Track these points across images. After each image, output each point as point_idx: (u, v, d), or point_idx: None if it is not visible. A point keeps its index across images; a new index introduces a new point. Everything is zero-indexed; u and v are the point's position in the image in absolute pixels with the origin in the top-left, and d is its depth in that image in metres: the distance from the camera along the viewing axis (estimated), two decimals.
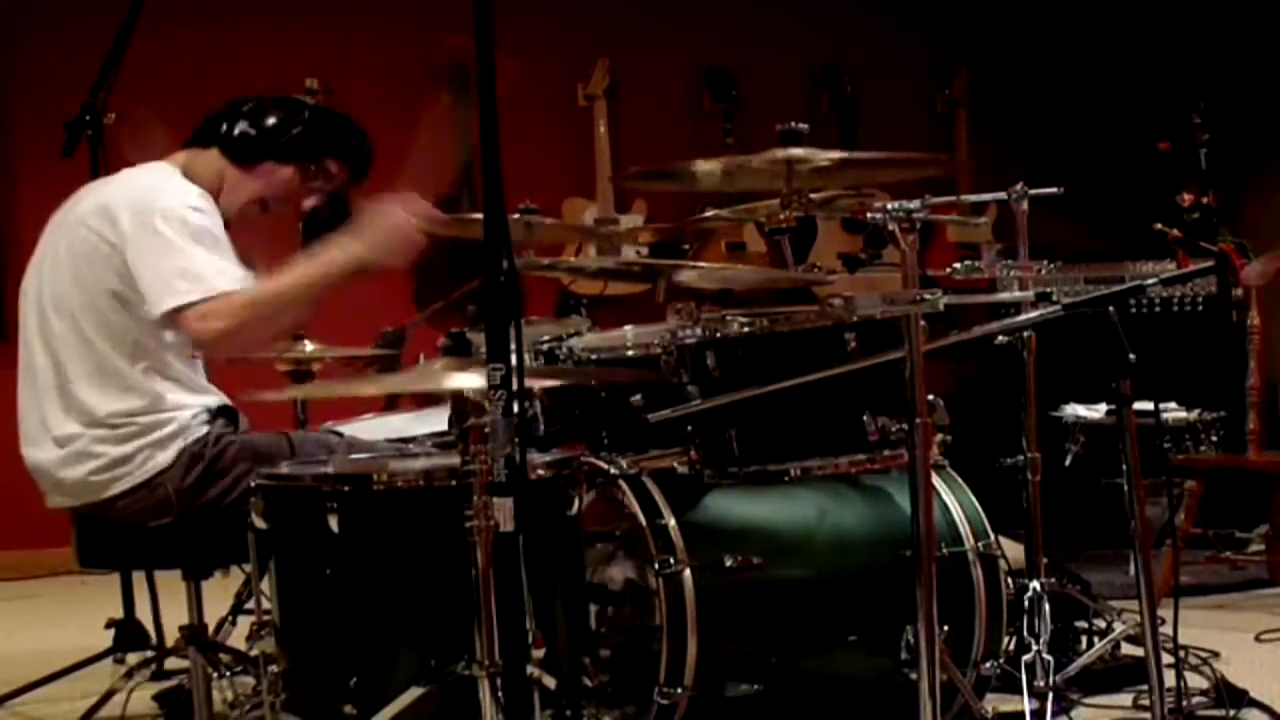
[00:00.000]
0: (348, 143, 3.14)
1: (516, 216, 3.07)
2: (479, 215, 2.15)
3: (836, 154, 2.81)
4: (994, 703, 3.07)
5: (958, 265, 3.34)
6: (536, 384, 3.03)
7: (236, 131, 3.06)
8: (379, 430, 3.34)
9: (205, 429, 2.96)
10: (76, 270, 2.94)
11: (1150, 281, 3.06)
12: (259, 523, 2.61)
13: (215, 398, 3.05)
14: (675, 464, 2.94)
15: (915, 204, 2.55)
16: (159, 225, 2.85)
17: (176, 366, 2.98)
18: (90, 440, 2.92)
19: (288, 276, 2.85)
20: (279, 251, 3.02)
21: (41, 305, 2.99)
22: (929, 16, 6.99)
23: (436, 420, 3.33)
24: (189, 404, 2.97)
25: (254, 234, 3.14)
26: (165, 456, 2.91)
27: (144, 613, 3.77)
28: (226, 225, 2.99)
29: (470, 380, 2.36)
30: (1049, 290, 4.00)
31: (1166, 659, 2.84)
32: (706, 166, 2.90)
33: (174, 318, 2.81)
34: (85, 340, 2.93)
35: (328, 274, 2.85)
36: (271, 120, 3.08)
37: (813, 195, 2.91)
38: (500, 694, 2.31)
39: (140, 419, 2.91)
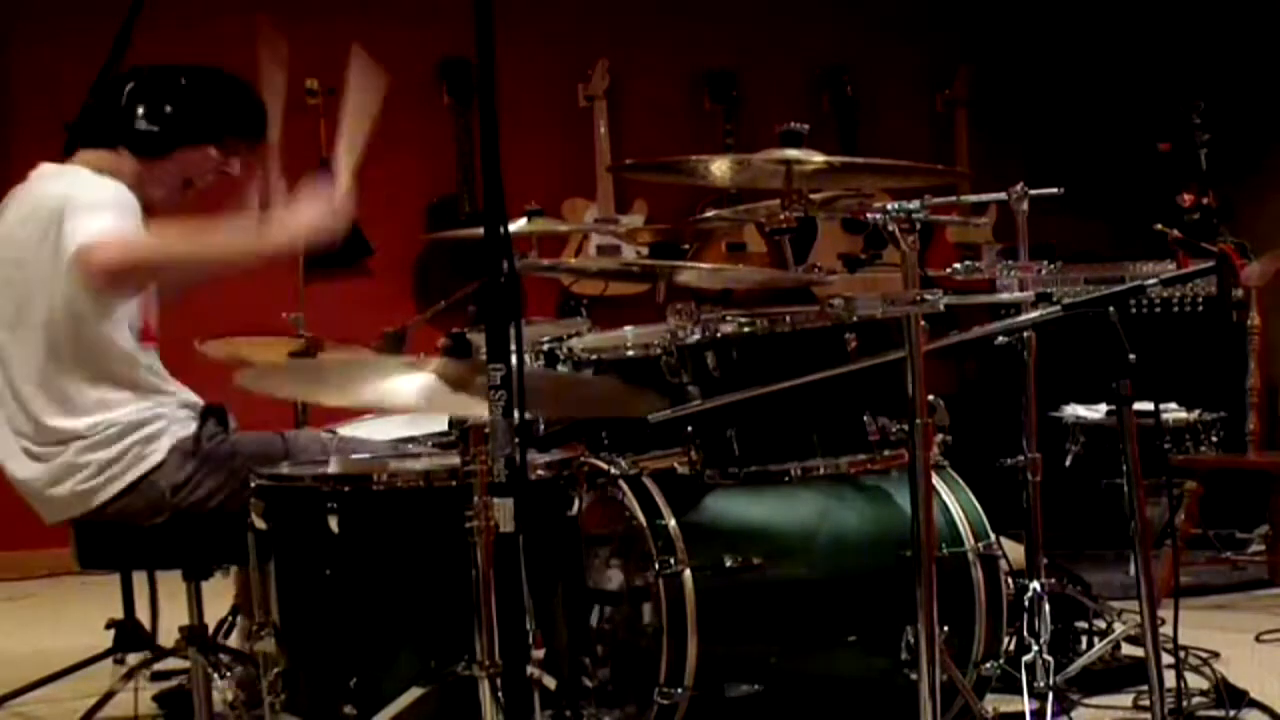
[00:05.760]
0: (238, 117, 3.09)
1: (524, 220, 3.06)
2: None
3: (839, 158, 2.80)
4: (994, 703, 3.07)
5: (958, 265, 3.34)
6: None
7: (138, 128, 3.02)
8: (379, 431, 3.33)
9: (193, 425, 2.94)
10: (12, 284, 2.90)
11: (1150, 281, 3.05)
12: (259, 523, 2.61)
13: (192, 395, 3.03)
14: (675, 464, 2.94)
15: (915, 204, 2.55)
16: (79, 202, 2.86)
17: (134, 373, 2.94)
18: (76, 451, 2.87)
19: (200, 239, 2.82)
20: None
21: None
22: (929, 16, 6.98)
23: (436, 421, 3.33)
24: (167, 393, 2.96)
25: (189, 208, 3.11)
26: (155, 454, 2.89)
27: (144, 613, 3.77)
28: (152, 213, 2.98)
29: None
30: (1049, 290, 4.01)
31: (1166, 659, 2.84)
32: (714, 165, 2.89)
33: (80, 255, 2.76)
34: (41, 356, 2.87)
35: (245, 253, 2.84)
36: (168, 109, 3.04)
37: (812, 195, 2.91)
38: (500, 694, 2.31)
39: (122, 417, 2.89)
